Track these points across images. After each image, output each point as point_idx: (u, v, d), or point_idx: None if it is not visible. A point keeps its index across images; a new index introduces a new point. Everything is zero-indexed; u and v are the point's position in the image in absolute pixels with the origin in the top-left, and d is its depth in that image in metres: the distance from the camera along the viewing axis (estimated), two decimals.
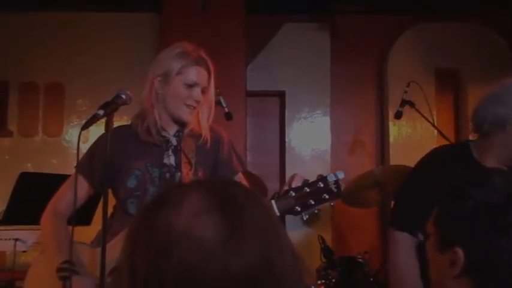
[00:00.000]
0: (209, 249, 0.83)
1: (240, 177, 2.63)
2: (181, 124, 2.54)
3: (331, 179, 2.15)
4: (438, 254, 1.35)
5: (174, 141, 2.54)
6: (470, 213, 1.30)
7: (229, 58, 4.91)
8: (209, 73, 2.52)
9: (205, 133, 2.55)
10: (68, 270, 2.28)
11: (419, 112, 4.43)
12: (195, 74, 2.47)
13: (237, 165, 2.65)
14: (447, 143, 4.44)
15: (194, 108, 2.49)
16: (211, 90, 2.56)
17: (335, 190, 2.17)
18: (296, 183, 2.18)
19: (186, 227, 0.84)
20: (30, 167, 5.30)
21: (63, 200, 2.53)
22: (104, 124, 2.23)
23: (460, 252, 1.28)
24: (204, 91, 2.51)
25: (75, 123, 5.58)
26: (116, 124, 2.28)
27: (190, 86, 2.47)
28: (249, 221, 0.87)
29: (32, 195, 3.26)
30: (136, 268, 0.87)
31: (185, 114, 2.49)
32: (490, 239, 1.26)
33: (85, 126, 2.16)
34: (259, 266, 0.84)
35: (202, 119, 2.55)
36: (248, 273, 0.83)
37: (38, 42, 5.60)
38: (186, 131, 2.54)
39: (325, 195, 2.17)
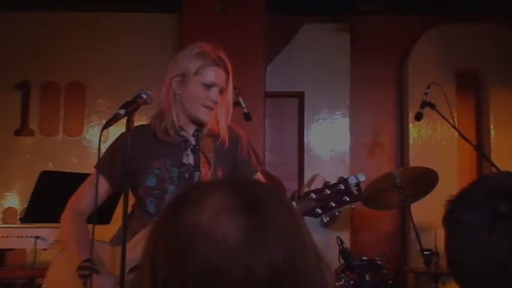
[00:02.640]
0: (232, 249, 0.82)
1: (259, 176, 2.63)
2: (199, 124, 2.54)
3: (352, 181, 2.15)
4: None
5: (192, 140, 2.55)
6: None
7: (249, 59, 4.91)
8: (227, 74, 2.52)
9: (224, 133, 2.54)
10: (88, 268, 2.29)
11: (440, 114, 4.39)
12: (212, 74, 2.47)
13: (256, 164, 2.65)
14: (468, 145, 4.41)
15: (212, 109, 2.49)
16: (230, 90, 2.55)
17: (356, 192, 2.16)
18: (316, 184, 2.17)
19: (208, 226, 0.84)
20: (51, 166, 5.34)
21: (83, 199, 2.55)
22: (122, 123, 2.25)
23: None
24: (222, 91, 2.51)
25: (95, 122, 5.62)
26: (135, 124, 2.29)
27: (208, 86, 2.46)
28: (273, 221, 0.86)
29: (52, 194, 3.29)
30: (157, 267, 0.87)
31: (203, 115, 2.49)
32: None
33: (106, 126, 2.17)
34: (283, 266, 0.83)
35: (220, 119, 2.54)
36: (271, 273, 0.82)
37: (59, 42, 5.64)
38: (205, 130, 2.54)
39: (345, 197, 2.16)
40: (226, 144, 2.55)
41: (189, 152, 2.53)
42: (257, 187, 0.92)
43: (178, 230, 0.86)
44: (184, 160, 2.51)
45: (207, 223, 0.84)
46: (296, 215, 0.91)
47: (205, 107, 2.48)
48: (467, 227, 1.26)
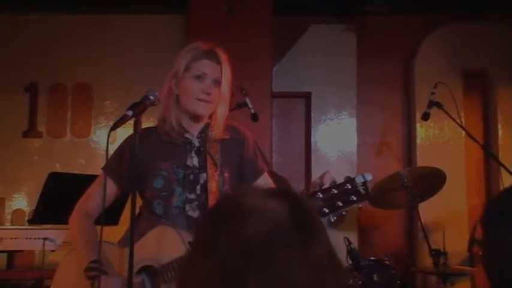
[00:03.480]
0: (292, 264, 0.88)
1: (265, 177, 2.63)
2: (197, 120, 2.54)
3: (359, 180, 2.14)
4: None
5: (196, 142, 2.54)
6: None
7: (256, 59, 4.92)
8: (220, 65, 2.50)
9: (222, 127, 2.54)
10: (96, 269, 2.30)
11: (447, 113, 4.39)
12: (202, 65, 2.47)
13: (262, 165, 2.65)
14: (475, 144, 4.40)
15: (208, 102, 2.49)
16: (226, 83, 2.52)
17: (363, 192, 2.16)
18: (326, 181, 2.17)
19: (267, 240, 0.89)
20: (58, 168, 5.36)
21: (91, 201, 2.56)
22: (130, 124, 2.26)
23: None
24: (216, 84, 2.50)
25: (103, 124, 5.63)
26: (143, 125, 2.30)
27: (198, 77, 2.46)
28: (319, 232, 0.95)
29: (60, 195, 3.30)
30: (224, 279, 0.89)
31: (199, 109, 2.49)
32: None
33: (114, 127, 2.18)
34: (328, 274, 0.92)
35: (220, 117, 2.54)
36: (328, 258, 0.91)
37: (66, 44, 5.66)
38: (210, 133, 2.54)
39: (352, 197, 2.16)
40: (232, 144, 2.55)
41: (193, 154, 2.53)
42: (306, 202, 1.00)
43: (241, 241, 0.90)
44: (188, 162, 2.51)
45: (266, 237, 0.90)
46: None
47: (199, 99, 2.47)
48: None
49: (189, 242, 2.31)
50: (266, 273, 0.86)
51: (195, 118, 2.53)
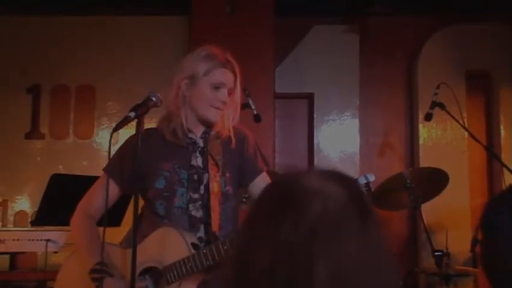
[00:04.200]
0: (356, 246, 0.89)
1: (264, 176, 2.63)
2: (208, 126, 2.56)
3: (361, 181, 2.14)
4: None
5: (201, 143, 2.55)
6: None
7: (258, 60, 4.92)
8: (235, 75, 2.53)
9: (230, 134, 2.55)
10: (101, 271, 2.30)
11: (449, 114, 4.38)
12: (221, 75, 2.48)
13: (261, 165, 2.65)
14: (478, 145, 4.40)
15: (221, 109, 2.51)
16: (237, 92, 2.56)
17: (366, 193, 2.15)
18: None
19: (333, 223, 0.89)
20: (61, 169, 5.36)
21: (92, 202, 2.56)
22: (132, 126, 2.26)
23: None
24: (230, 93, 2.52)
25: (106, 125, 5.64)
26: (145, 126, 2.31)
27: (217, 87, 2.48)
28: (376, 217, 0.95)
29: (63, 197, 3.30)
30: (277, 275, 0.88)
31: (212, 116, 2.50)
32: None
33: (116, 128, 2.19)
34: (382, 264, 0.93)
35: (227, 120, 2.55)
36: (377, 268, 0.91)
37: (69, 45, 5.67)
38: (213, 133, 2.55)
39: None
40: (233, 144, 2.56)
41: (197, 154, 2.54)
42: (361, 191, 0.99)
43: (300, 234, 0.89)
44: (193, 162, 2.52)
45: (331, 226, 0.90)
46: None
47: (215, 107, 2.49)
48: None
49: (192, 244, 2.31)
50: (333, 255, 0.87)
51: (207, 124, 2.55)
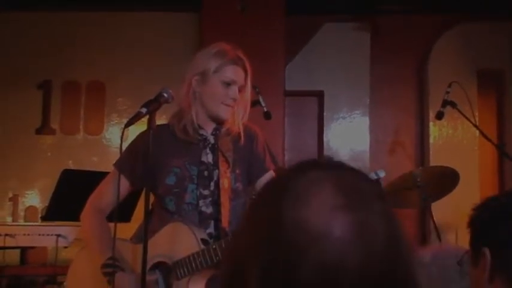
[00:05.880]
0: (346, 247, 0.82)
1: (271, 175, 2.63)
2: (219, 122, 2.56)
3: (371, 177, 2.13)
4: (473, 269, 1.41)
5: (211, 139, 2.55)
6: (491, 213, 1.40)
7: (269, 58, 4.91)
8: (246, 72, 2.53)
9: (239, 131, 2.56)
10: (112, 266, 2.31)
11: (461, 113, 4.36)
12: (232, 72, 2.49)
13: (269, 163, 2.65)
14: (489, 144, 4.37)
15: (232, 106, 2.51)
16: (248, 89, 2.57)
17: None
18: None
19: (323, 224, 0.83)
20: (71, 165, 5.38)
21: (103, 197, 2.57)
22: (142, 122, 2.27)
23: (487, 251, 1.34)
24: (240, 90, 2.52)
25: (116, 121, 5.66)
26: (156, 123, 2.31)
27: (228, 84, 2.48)
28: (380, 215, 0.87)
29: (73, 192, 3.31)
30: (268, 268, 0.84)
31: (223, 113, 2.51)
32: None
33: (128, 124, 2.19)
34: (389, 255, 0.85)
35: (237, 117, 2.56)
36: (382, 264, 0.83)
37: (80, 41, 5.69)
38: (223, 129, 2.55)
39: None
40: (243, 141, 2.56)
41: (208, 150, 2.54)
42: (364, 182, 0.90)
43: (289, 227, 0.83)
44: (203, 158, 2.52)
45: (320, 220, 0.83)
46: (392, 210, 0.92)
47: (226, 104, 2.49)
48: None
49: (201, 239, 2.32)
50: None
51: (217, 121, 2.55)
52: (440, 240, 4.15)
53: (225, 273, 0.90)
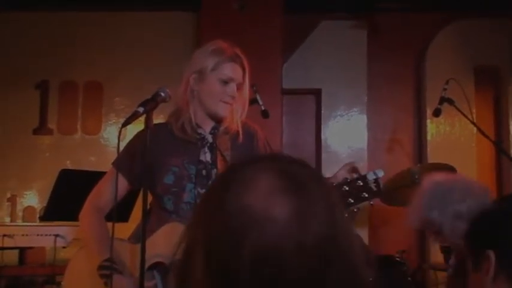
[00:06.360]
0: (285, 227, 0.86)
1: None
2: (217, 121, 2.55)
3: (370, 177, 2.13)
4: (475, 273, 1.46)
5: (210, 138, 2.55)
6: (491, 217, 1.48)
7: (266, 56, 4.91)
8: (244, 70, 2.53)
9: (238, 129, 2.55)
10: (109, 268, 2.31)
11: (458, 110, 4.36)
12: (230, 70, 2.48)
13: None
14: (486, 141, 4.38)
15: (230, 104, 2.50)
16: (246, 87, 2.56)
17: (375, 189, 2.14)
18: (342, 174, 2.18)
19: (262, 207, 0.87)
20: (69, 164, 5.37)
21: (101, 197, 2.55)
22: (140, 121, 2.26)
23: (491, 253, 1.39)
24: (238, 87, 2.52)
25: (113, 121, 5.65)
26: (153, 122, 2.31)
27: (226, 82, 2.48)
28: (317, 197, 0.91)
29: (71, 192, 3.31)
30: (212, 248, 0.89)
31: (221, 111, 2.50)
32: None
33: (125, 124, 2.19)
34: (327, 236, 0.89)
35: (235, 115, 2.55)
36: (318, 244, 0.87)
37: (77, 41, 5.68)
38: (221, 128, 2.55)
39: (364, 193, 2.15)
40: (241, 139, 2.55)
41: (206, 149, 2.53)
42: (302, 168, 0.96)
43: (232, 211, 0.88)
44: (202, 157, 2.52)
45: (261, 204, 0.87)
46: (333, 191, 0.97)
47: (224, 102, 2.49)
48: None
49: None
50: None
51: (216, 119, 2.55)
52: None
53: (178, 262, 0.97)
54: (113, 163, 2.58)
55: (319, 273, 0.87)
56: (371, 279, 0.95)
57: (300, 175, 0.93)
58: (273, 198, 0.88)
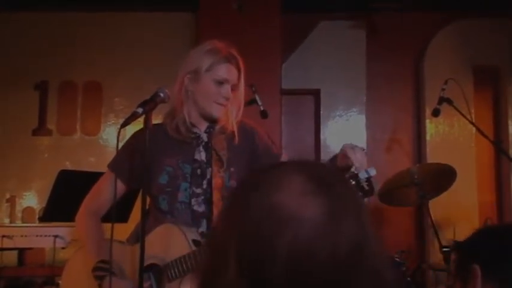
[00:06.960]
0: (319, 228, 0.87)
1: (284, 158, 2.61)
2: (211, 121, 2.53)
3: (362, 176, 2.11)
4: None
5: (204, 137, 2.53)
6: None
7: (265, 56, 4.91)
8: (239, 71, 2.50)
9: (233, 129, 2.53)
10: (103, 269, 2.30)
11: (457, 110, 4.36)
12: (224, 70, 2.46)
13: (277, 150, 2.64)
14: (486, 141, 4.38)
15: (224, 105, 2.48)
16: (241, 87, 2.53)
17: (367, 188, 2.11)
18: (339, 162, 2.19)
19: (296, 207, 0.87)
20: (68, 165, 5.38)
21: (98, 198, 2.55)
22: (140, 122, 2.26)
23: (477, 267, 1.39)
24: (233, 88, 2.49)
25: (112, 121, 5.65)
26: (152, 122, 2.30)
27: (220, 83, 2.45)
28: (346, 198, 0.93)
29: (71, 193, 3.30)
30: (244, 248, 0.89)
31: (215, 112, 2.48)
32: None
33: (124, 124, 2.17)
34: (358, 237, 0.90)
35: (231, 115, 2.53)
36: (351, 245, 0.88)
37: (76, 42, 5.69)
38: (217, 127, 2.53)
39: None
40: (237, 140, 2.54)
41: (201, 148, 2.51)
42: (328, 171, 0.97)
43: (263, 210, 0.88)
44: (197, 156, 2.50)
45: (293, 203, 0.88)
46: (358, 193, 1.00)
47: (218, 103, 2.47)
48: None
49: (193, 240, 2.31)
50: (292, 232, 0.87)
51: (210, 119, 2.52)
52: (438, 236, 4.15)
53: (205, 265, 0.95)
54: (109, 165, 2.58)
55: (347, 273, 0.87)
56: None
57: (328, 177, 0.94)
58: (305, 198, 0.89)
